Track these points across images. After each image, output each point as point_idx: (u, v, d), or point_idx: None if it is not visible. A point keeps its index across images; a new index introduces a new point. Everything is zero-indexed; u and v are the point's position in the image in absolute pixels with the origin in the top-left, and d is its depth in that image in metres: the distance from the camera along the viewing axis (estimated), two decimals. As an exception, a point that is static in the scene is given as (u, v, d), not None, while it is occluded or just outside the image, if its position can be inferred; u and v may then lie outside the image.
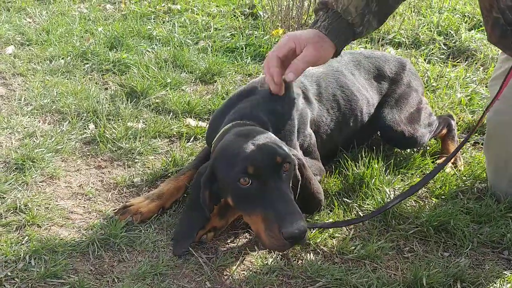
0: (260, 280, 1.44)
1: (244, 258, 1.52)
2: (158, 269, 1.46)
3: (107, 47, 2.79)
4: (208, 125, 1.86)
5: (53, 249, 1.48)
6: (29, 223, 1.57)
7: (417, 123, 1.98)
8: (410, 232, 1.67)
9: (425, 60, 2.95)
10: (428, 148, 2.13)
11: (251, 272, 1.48)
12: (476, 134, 2.28)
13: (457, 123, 2.34)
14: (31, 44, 2.80)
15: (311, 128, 1.78)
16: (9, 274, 1.39)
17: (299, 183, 1.54)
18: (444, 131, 2.12)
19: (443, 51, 3.07)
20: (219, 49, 2.92)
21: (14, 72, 2.47)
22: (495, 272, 1.56)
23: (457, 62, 2.96)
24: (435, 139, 2.16)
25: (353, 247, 1.59)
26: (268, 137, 1.49)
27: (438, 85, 2.66)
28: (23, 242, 1.50)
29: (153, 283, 1.43)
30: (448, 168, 2.01)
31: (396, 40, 3.14)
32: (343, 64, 1.97)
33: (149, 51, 2.81)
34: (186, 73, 2.64)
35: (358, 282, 1.45)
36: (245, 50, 2.90)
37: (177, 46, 2.89)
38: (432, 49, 3.04)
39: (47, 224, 1.59)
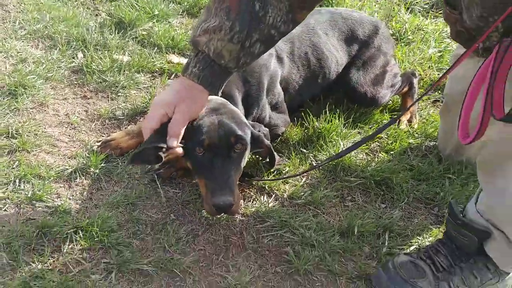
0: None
1: (206, 196, 1.75)
2: (130, 199, 1.69)
3: (100, -30, 2.87)
4: None
5: (40, 174, 1.70)
6: (19, 149, 1.77)
7: (380, 85, 2.15)
8: (354, 183, 1.90)
9: (408, 9, 3.06)
10: (388, 104, 2.32)
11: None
12: (438, 92, 2.46)
13: (423, 79, 2.52)
14: (26, -39, 2.86)
15: (281, 85, 1.95)
16: (1, 194, 1.61)
17: (271, 149, 1.75)
18: (406, 89, 2.30)
19: (427, 1, 3.17)
20: (210, -20, 3.00)
21: (9, -8, 2.57)
22: (422, 225, 1.80)
23: (439, 13, 3.07)
24: (397, 95, 2.34)
25: (302, 193, 1.82)
26: (233, 115, 1.64)
27: (414, 38, 2.80)
28: (13, 166, 1.71)
29: (125, 211, 1.66)
30: (403, 125, 2.21)
31: (382, -14, 3.22)
32: (319, 23, 2.10)
33: (141, -23, 2.89)
34: (174, 3, 2.75)
35: (300, 224, 1.70)
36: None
37: (169, -26, 2.97)
38: (417, -2, 3.14)
39: (36, 151, 1.79)
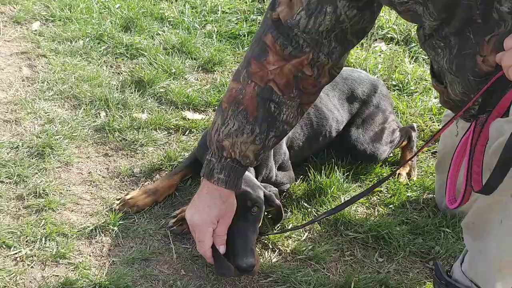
0: (224, 272, 1.83)
1: (214, 251, 1.90)
2: (145, 255, 1.85)
3: (123, 28, 3.09)
4: (197, 144, 2.16)
5: (64, 232, 1.87)
6: (46, 208, 1.95)
7: (379, 141, 2.30)
8: (353, 238, 2.03)
9: (412, 57, 3.21)
10: (389, 157, 2.46)
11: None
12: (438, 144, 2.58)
13: (423, 130, 2.66)
14: (54, 21, 3.10)
15: (286, 144, 2.11)
16: (29, 252, 1.79)
17: (280, 208, 1.93)
18: (405, 142, 2.43)
19: (431, 50, 3.31)
20: (224, 35, 3.20)
21: (38, 53, 2.79)
22: (417, 280, 1.91)
23: (443, 62, 3.20)
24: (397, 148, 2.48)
25: (304, 248, 1.96)
26: (245, 180, 1.76)
27: (416, 88, 2.94)
28: (40, 225, 1.88)
29: (140, 267, 1.82)
30: (402, 178, 2.34)
31: (389, 36, 3.39)
32: (321, 85, 2.27)
33: (159, 34, 3.10)
34: (190, 59, 2.95)
35: (301, 280, 1.83)
36: (246, 38, 3.18)
37: (186, 28, 3.18)
38: (421, 48, 3.28)
39: (60, 209, 1.97)
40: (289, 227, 2.02)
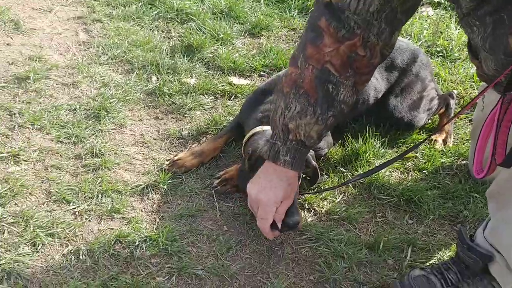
0: (262, 229, 1.99)
1: (254, 210, 2.06)
2: (191, 212, 2.03)
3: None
4: (240, 109, 2.30)
5: (118, 189, 2.07)
6: (102, 167, 2.14)
7: (416, 110, 2.37)
8: (386, 201, 2.15)
9: (458, 23, 3.20)
10: (427, 124, 2.53)
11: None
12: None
13: (463, 97, 2.70)
14: (109, -16, 3.25)
15: None
16: (86, 207, 2.00)
17: (316, 169, 2.05)
18: (442, 110, 2.49)
19: (479, 14, 3.29)
20: (272, -1, 3.29)
21: (94, 18, 2.96)
22: (444, 241, 2.03)
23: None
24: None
25: (338, 209, 2.09)
26: None
27: (459, 55, 2.96)
28: (97, 183, 2.08)
29: (187, 222, 2.00)
30: (438, 144, 2.42)
31: (436, 0, 3.38)
32: (360, 53, 2.34)
33: (208, -1, 3.21)
34: (238, 24, 3.06)
35: (333, 238, 1.97)
36: (294, 3, 3.25)
37: (235, -8, 3.28)
38: (468, 12, 3.26)
39: (115, 168, 2.16)
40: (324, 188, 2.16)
